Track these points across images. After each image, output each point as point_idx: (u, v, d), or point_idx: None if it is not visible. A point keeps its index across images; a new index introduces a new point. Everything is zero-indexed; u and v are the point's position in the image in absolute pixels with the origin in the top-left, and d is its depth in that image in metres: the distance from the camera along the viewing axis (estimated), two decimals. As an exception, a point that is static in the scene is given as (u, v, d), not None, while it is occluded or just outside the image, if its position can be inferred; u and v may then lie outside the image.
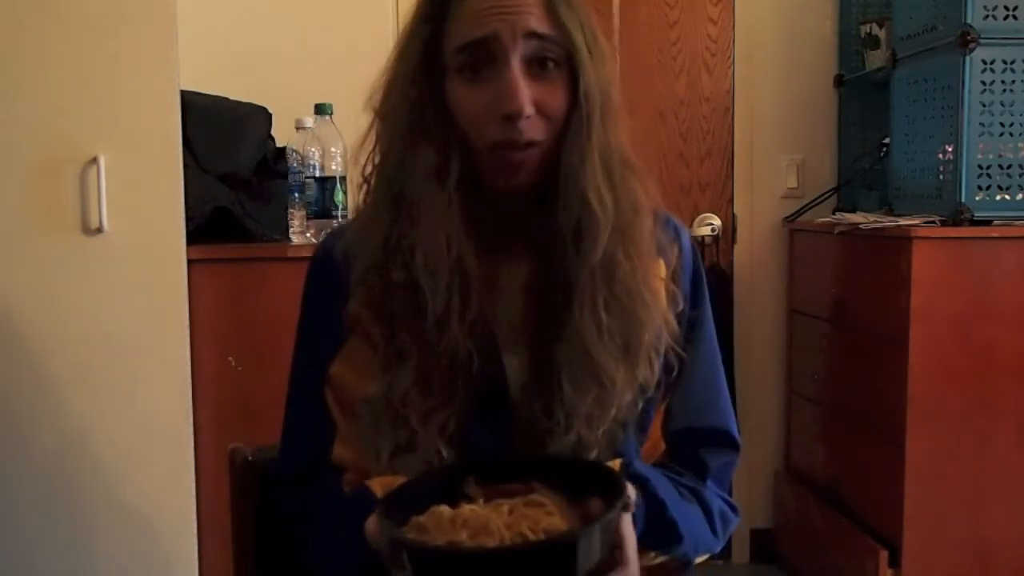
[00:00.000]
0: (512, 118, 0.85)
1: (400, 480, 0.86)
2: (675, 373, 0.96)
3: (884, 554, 2.19)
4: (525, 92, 0.85)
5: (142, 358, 1.84)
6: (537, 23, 0.87)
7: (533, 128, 0.87)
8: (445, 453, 0.89)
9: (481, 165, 0.89)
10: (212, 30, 2.50)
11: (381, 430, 0.90)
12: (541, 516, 0.73)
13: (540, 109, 0.87)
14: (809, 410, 2.78)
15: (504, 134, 0.86)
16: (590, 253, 0.89)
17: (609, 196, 0.89)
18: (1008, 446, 2.18)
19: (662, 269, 0.97)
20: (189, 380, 1.88)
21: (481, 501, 0.77)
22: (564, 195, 0.89)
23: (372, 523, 0.80)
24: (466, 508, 0.75)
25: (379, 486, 0.90)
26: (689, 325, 0.99)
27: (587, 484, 0.77)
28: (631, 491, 0.81)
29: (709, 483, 1.01)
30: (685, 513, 0.94)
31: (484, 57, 0.87)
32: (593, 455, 0.90)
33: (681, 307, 0.97)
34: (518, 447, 0.92)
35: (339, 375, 0.96)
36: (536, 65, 0.87)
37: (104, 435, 1.83)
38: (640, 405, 0.93)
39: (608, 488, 0.76)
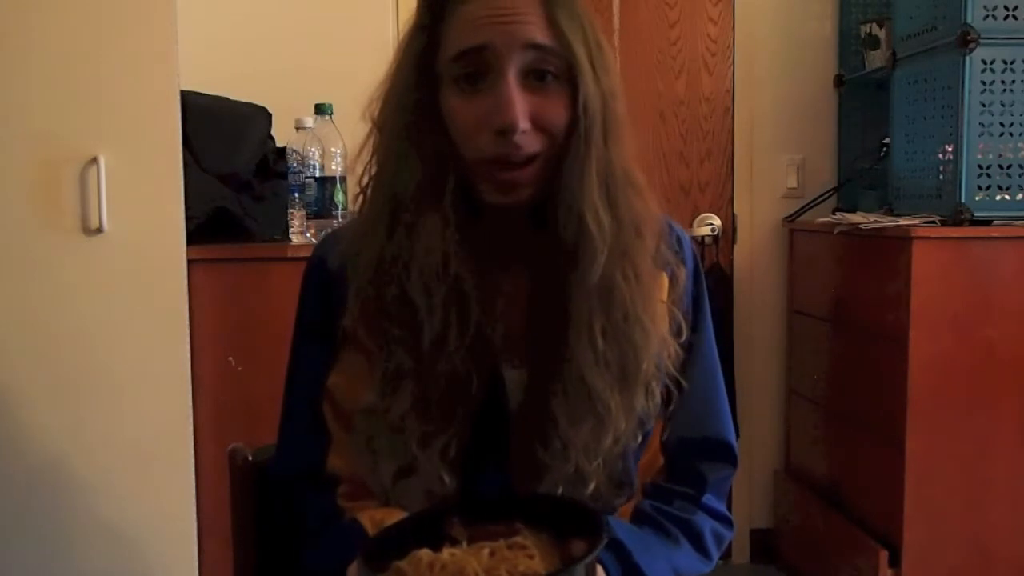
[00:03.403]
0: (506, 132, 0.82)
1: (391, 515, 0.86)
2: (674, 399, 0.95)
3: (884, 554, 2.19)
4: (520, 106, 0.82)
5: (142, 358, 1.84)
6: (536, 33, 0.83)
7: (529, 142, 0.84)
8: (447, 479, 0.87)
9: (476, 180, 0.87)
10: (212, 30, 2.50)
11: (379, 446, 0.89)
12: (520, 559, 0.73)
13: (537, 123, 0.84)
14: (809, 410, 2.78)
15: (498, 148, 0.83)
16: (587, 275, 0.86)
17: (607, 216, 0.86)
18: (1008, 446, 2.18)
19: (664, 288, 0.94)
20: (189, 380, 1.87)
21: (465, 543, 0.77)
22: (561, 213, 0.86)
23: (353, 570, 0.79)
24: (446, 552, 0.74)
25: (370, 521, 0.89)
26: (688, 345, 0.96)
27: (572, 525, 0.77)
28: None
29: (706, 498, 0.99)
30: (664, 565, 0.92)
31: (479, 67, 0.83)
32: (591, 487, 0.89)
33: (684, 335, 0.94)
34: (515, 475, 0.90)
35: (335, 386, 0.94)
36: (534, 77, 0.84)
37: (104, 435, 1.83)
38: (640, 437, 0.92)
39: (591, 528, 0.76)
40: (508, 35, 0.82)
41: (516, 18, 0.83)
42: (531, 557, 0.74)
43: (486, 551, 0.74)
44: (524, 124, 0.82)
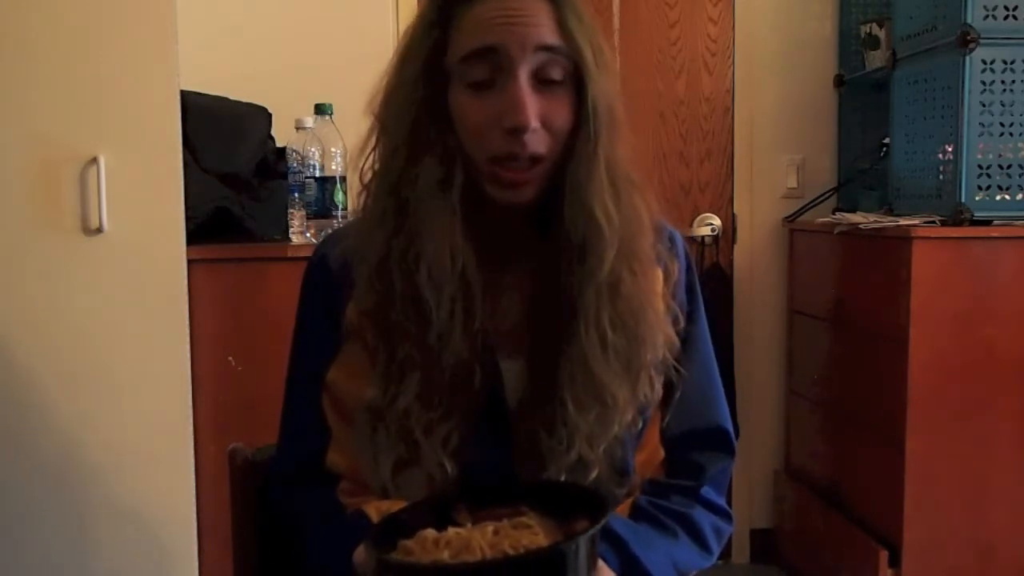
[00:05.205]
0: (517, 131, 0.84)
1: (396, 506, 0.87)
2: (676, 390, 0.96)
3: (884, 554, 2.19)
4: (532, 106, 0.84)
5: (142, 358, 1.84)
6: (547, 35, 0.85)
7: (537, 142, 0.86)
8: (449, 468, 0.88)
9: (482, 177, 0.88)
10: (212, 30, 2.50)
11: (380, 440, 0.90)
12: (524, 536, 0.74)
13: (545, 123, 0.86)
14: (809, 410, 2.78)
15: (507, 147, 0.85)
16: (596, 270, 0.88)
17: (616, 212, 0.88)
18: (1008, 446, 2.18)
19: (660, 281, 0.96)
20: (189, 380, 1.87)
21: (469, 526, 0.78)
22: (570, 210, 0.88)
23: (360, 551, 0.80)
24: (451, 531, 0.76)
25: (375, 511, 0.90)
26: (684, 336, 0.98)
27: (575, 507, 0.78)
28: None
29: (704, 490, 0.99)
30: (663, 558, 0.93)
31: (490, 67, 0.85)
32: (594, 474, 0.90)
33: (681, 324, 0.97)
34: (518, 462, 0.91)
35: (336, 381, 0.95)
36: (542, 78, 0.86)
37: (104, 435, 1.83)
38: (640, 424, 0.94)
39: (595, 509, 0.76)
40: (520, 37, 0.84)
41: (527, 20, 0.84)
42: (535, 534, 0.75)
43: (490, 528, 0.75)
44: (535, 123, 0.85)
